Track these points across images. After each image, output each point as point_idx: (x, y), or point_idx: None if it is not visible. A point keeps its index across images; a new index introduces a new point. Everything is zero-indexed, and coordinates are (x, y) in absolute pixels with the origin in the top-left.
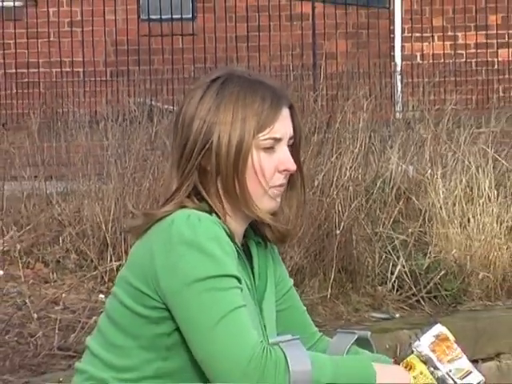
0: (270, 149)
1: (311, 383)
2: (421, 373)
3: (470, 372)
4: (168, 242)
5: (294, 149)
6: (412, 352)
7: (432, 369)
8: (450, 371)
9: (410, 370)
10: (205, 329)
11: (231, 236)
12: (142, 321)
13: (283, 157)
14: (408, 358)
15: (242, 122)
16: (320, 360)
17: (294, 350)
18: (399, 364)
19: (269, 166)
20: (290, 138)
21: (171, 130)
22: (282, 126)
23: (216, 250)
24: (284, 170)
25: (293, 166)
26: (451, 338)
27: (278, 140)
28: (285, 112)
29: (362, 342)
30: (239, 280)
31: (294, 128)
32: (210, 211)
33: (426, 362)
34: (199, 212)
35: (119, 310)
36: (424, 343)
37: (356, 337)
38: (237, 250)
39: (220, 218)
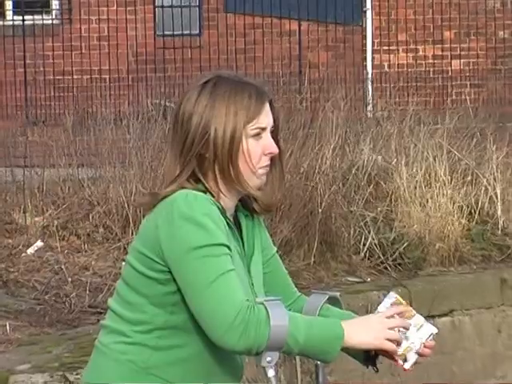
0: (257, 136)
1: (287, 337)
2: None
3: (424, 324)
4: (170, 217)
5: (274, 135)
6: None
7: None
8: (410, 325)
9: None
10: (199, 289)
11: (223, 211)
12: (151, 282)
13: (268, 143)
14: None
15: (233, 116)
16: (296, 319)
17: (275, 308)
18: None
19: (257, 151)
20: (272, 127)
21: (171, 125)
22: (266, 117)
23: (209, 223)
24: (269, 153)
25: (276, 150)
26: (403, 301)
27: (263, 129)
28: (267, 106)
29: (333, 301)
30: (229, 248)
31: (273, 118)
32: (205, 191)
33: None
34: (196, 192)
35: (132, 274)
36: (388, 306)
37: (327, 297)
38: (227, 223)
39: (213, 196)
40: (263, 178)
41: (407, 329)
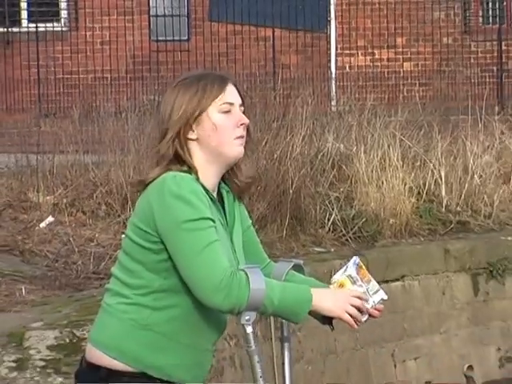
0: (227, 112)
1: (264, 299)
2: (349, 289)
3: (379, 290)
4: (161, 195)
5: (245, 114)
6: (345, 274)
7: (356, 287)
8: (368, 288)
9: (341, 287)
10: (188, 258)
11: (206, 189)
12: (146, 251)
13: (238, 115)
14: (341, 279)
15: (201, 95)
16: (272, 284)
17: (254, 274)
18: (334, 284)
19: (229, 123)
20: (241, 105)
21: (156, 116)
22: (230, 95)
23: (195, 200)
24: (241, 124)
25: (247, 120)
26: (363, 266)
27: (231, 104)
28: (230, 87)
29: (297, 268)
30: (213, 221)
31: (240, 98)
32: (190, 172)
33: (354, 282)
34: (182, 173)
35: (130, 245)
36: (352, 269)
37: (292, 264)
38: (211, 198)
39: (197, 176)
40: (241, 149)
41: (366, 301)
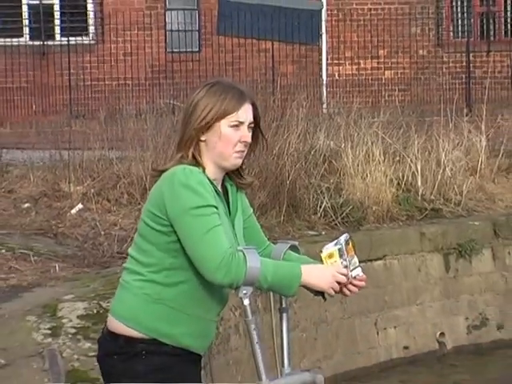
0: (236, 127)
1: (259, 275)
2: (335, 261)
3: (358, 266)
4: (171, 184)
5: (255, 130)
6: (336, 247)
7: (341, 260)
8: (350, 263)
9: (330, 257)
10: (194, 240)
11: (211, 181)
12: (158, 234)
13: (244, 132)
14: (332, 250)
15: (218, 107)
16: (266, 262)
17: (251, 254)
18: (324, 253)
19: (234, 138)
20: (251, 123)
21: (181, 117)
22: (244, 114)
23: (201, 189)
24: (243, 141)
25: (249, 139)
26: (351, 243)
27: (241, 122)
28: (246, 105)
29: (294, 248)
30: (216, 208)
31: (254, 117)
32: (197, 166)
33: (341, 255)
34: (191, 166)
35: (144, 228)
36: (342, 243)
37: (289, 245)
38: (215, 190)
39: (204, 170)
40: (238, 161)
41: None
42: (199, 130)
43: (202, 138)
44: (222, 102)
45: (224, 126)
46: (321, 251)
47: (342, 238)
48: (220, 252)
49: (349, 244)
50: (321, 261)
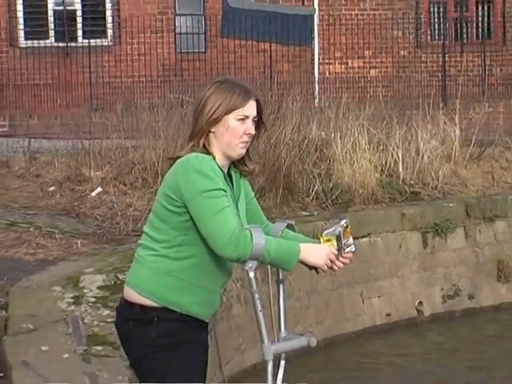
0: (242, 120)
1: (263, 251)
2: (332, 244)
3: (352, 244)
4: (185, 170)
5: (257, 124)
6: (334, 234)
7: (338, 242)
8: (345, 243)
9: (328, 241)
10: (206, 219)
11: (220, 167)
12: (172, 214)
13: (249, 126)
14: (329, 237)
15: (227, 103)
16: (270, 240)
17: (257, 232)
18: (323, 237)
19: (240, 130)
20: (255, 117)
21: (192, 110)
22: (249, 109)
23: (212, 174)
24: (248, 133)
25: (253, 132)
26: (349, 227)
27: (246, 116)
28: (252, 102)
29: (290, 227)
30: (225, 191)
31: (258, 112)
32: (208, 154)
33: (339, 239)
34: (203, 154)
35: (159, 208)
36: (340, 229)
37: (286, 224)
38: (223, 175)
39: (214, 158)
40: (243, 151)
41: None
42: (210, 123)
43: (212, 130)
44: (230, 99)
45: (231, 119)
46: (321, 235)
47: (341, 224)
48: (229, 230)
49: (347, 228)
50: (318, 239)
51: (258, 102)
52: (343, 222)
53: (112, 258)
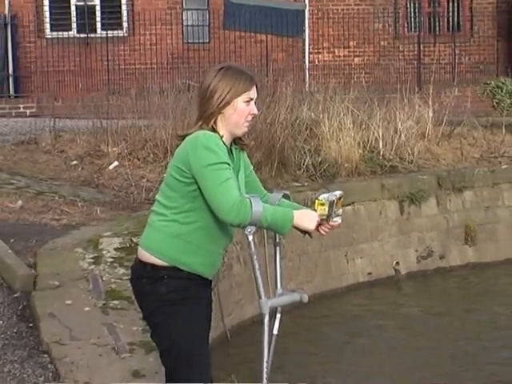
0: (247, 102)
1: (261, 217)
2: (324, 208)
3: (340, 216)
4: (194, 146)
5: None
6: (329, 200)
7: (329, 209)
8: (334, 213)
9: (320, 205)
10: (212, 189)
11: (225, 144)
12: (181, 184)
13: (253, 107)
14: (323, 201)
15: (235, 88)
16: (267, 207)
17: (255, 201)
18: (318, 200)
19: (246, 111)
20: (256, 99)
21: (198, 94)
22: (253, 93)
23: (218, 150)
24: (253, 113)
25: (256, 112)
26: (341, 199)
27: (251, 99)
28: (254, 86)
29: (286, 196)
30: (229, 165)
31: (257, 95)
32: (214, 131)
33: (331, 206)
34: (210, 132)
35: (171, 179)
36: (334, 198)
37: (282, 194)
38: (228, 151)
39: (221, 136)
40: (247, 129)
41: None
42: (221, 107)
43: (223, 111)
44: (238, 84)
45: (240, 102)
46: (317, 198)
47: (335, 194)
48: (232, 198)
49: (340, 199)
50: (313, 203)
51: (256, 86)
52: (339, 192)
53: (127, 223)
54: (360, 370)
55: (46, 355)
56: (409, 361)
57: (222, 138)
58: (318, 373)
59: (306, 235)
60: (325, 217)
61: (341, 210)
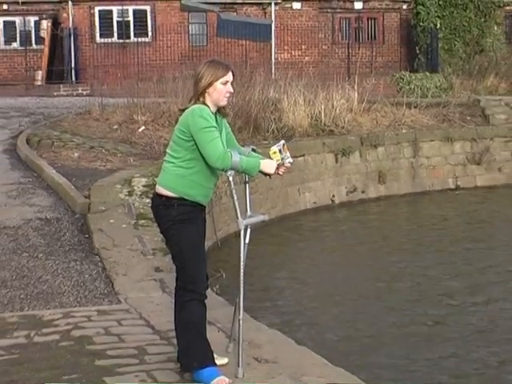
0: (225, 84)
1: (238, 164)
2: (278, 156)
3: (289, 157)
4: (192, 115)
5: (233, 83)
6: (277, 148)
7: (281, 155)
8: (285, 156)
9: (274, 153)
10: (205, 145)
11: (212, 113)
12: (183, 141)
13: (229, 87)
14: (275, 149)
15: (216, 73)
16: (242, 158)
17: (234, 153)
18: (271, 150)
19: (224, 90)
20: (232, 82)
21: (194, 79)
22: (229, 77)
23: (208, 118)
24: (229, 92)
25: (232, 91)
26: (286, 145)
27: (228, 81)
28: (230, 72)
29: (254, 150)
30: (216, 128)
31: (233, 78)
32: (204, 105)
33: (281, 152)
34: (202, 105)
35: (176, 137)
36: (280, 146)
37: (251, 148)
38: (215, 118)
39: (209, 107)
40: (226, 102)
41: (283, 164)
42: (206, 87)
43: (207, 91)
44: (217, 71)
45: (218, 83)
46: (270, 149)
47: (280, 143)
48: (218, 151)
49: (284, 146)
50: (269, 156)
51: (233, 73)
52: (281, 142)
53: (151, 168)
54: (314, 263)
55: (97, 256)
56: (344, 255)
57: (209, 108)
58: (285, 262)
59: (267, 177)
60: (280, 161)
61: (288, 154)
